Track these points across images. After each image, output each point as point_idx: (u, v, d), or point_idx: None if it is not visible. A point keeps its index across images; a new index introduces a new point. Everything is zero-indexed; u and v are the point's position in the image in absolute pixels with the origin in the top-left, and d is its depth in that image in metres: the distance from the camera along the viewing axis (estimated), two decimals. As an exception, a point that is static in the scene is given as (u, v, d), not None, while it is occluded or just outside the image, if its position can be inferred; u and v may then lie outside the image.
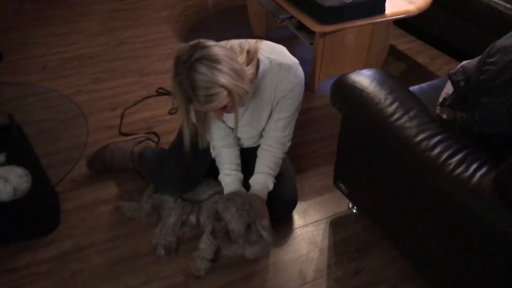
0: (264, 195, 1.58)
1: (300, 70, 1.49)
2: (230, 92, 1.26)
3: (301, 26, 2.41)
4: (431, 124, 1.28)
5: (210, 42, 1.26)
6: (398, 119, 1.29)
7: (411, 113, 1.30)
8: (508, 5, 2.35)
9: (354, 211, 1.78)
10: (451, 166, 1.15)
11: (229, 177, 1.58)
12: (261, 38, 2.95)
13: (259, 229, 1.47)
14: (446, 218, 1.24)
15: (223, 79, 1.22)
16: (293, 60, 1.48)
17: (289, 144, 1.62)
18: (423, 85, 1.70)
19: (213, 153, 1.62)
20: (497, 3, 2.39)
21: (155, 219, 1.70)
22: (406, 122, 1.28)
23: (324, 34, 2.23)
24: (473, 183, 1.10)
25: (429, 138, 1.23)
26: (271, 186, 1.59)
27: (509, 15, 2.33)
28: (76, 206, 1.78)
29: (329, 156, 2.04)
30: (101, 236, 1.67)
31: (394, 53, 2.83)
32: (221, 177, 1.61)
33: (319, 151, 2.09)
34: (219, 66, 1.21)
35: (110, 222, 1.72)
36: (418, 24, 2.95)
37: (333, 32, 2.24)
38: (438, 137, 1.23)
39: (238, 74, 1.28)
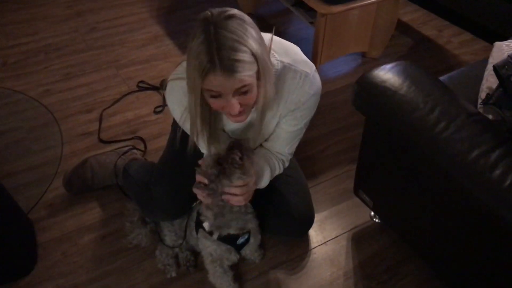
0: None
1: (317, 78, 1.20)
2: (257, 68, 0.98)
3: (299, 3, 2.11)
4: (484, 134, 1.04)
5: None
6: (444, 129, 1.05)
7: (458, 121, 1.07)
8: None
9: (377, 220, 1.57)
10: (521, 192, 0.92)
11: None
12: (250, 15, 2.66)
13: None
14: (501, 246, 1.03)
15: (254, 44, 0.96)
16: (310, 65, 1.18)
17: (287, 163, 1.34)
18: (453, 73, 1.47)
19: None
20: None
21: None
22: (455, 134, 1.04)
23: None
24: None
25: (486, 154, 1.00)
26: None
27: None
28: (56, 237, 1.52)
29: (340, 154, 1.81)
30: (88, 274, 1.42)
31: (398, 25, 2.55)
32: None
33: (329, 149, 1.85)
34: (250, 29, 0.97)
35: (97, 255, 1.47)
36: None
37: (340, 12, 1.95)
38: (497, 152, 1.00)
39: (266, 50, 1.02)
